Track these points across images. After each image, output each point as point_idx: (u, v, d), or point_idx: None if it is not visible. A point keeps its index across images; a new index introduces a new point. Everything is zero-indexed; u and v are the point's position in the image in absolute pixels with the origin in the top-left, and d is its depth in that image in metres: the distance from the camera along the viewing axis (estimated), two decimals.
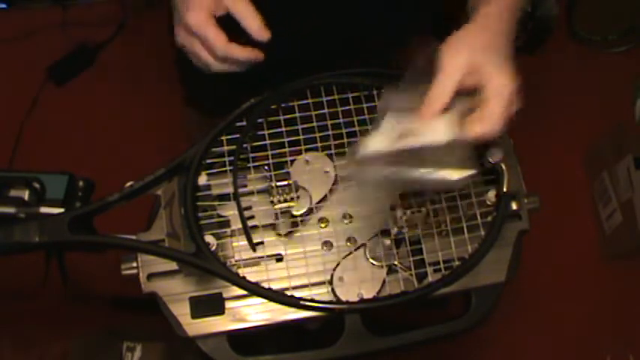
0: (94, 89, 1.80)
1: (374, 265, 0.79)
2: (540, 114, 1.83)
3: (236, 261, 0.77)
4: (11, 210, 0.80)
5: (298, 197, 0.80)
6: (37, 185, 0.81)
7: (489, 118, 0.62)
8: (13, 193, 0.80)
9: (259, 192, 0.81)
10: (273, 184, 0.79)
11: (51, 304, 1.40)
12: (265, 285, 0.74)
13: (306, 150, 0.82)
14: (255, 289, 0.73)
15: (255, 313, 0.76)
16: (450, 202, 0.81)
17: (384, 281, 0.78)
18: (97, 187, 0.87)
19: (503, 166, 0.79)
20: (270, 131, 0.79)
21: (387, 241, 0.80)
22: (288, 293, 0.74)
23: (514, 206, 0.79)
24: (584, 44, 1.94)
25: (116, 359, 1.33)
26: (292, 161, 0.81)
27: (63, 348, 1.38)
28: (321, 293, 0.77)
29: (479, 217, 0.78)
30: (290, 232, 0.81)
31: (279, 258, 0.79)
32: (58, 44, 1.84)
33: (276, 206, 0.80)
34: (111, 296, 1.47)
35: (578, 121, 1.82)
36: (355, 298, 0.76)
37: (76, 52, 1.84)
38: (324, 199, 0.82)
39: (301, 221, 0.80)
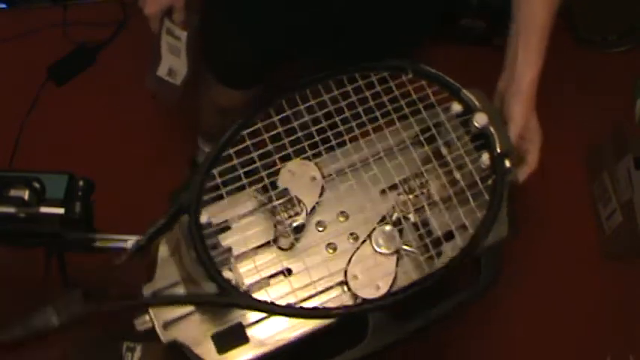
0: (94, 89, 1.80)
1: (383, 254, 0.79)
2: (540, 114, 1.83)
3: (247, 286, 0.76)
4: (11, 210, 0.80)
5: (302, 210, 0.80)
6: (37, 185, 0.81)
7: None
8: (13, 193, 0.80)
9: (250, 213, 0.80)
10: (276, 203, 0.79)
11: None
12: (282, 302, 0.74)
13: (282, 160, 0.81)
14: (287, 312, 0.73)
15: (277, 332, 0.75)
16: (449, 176, 0.82)
17: (396, 266, 0.78)
18: (97, 187, 0.87)
19: (492, 129, 0.80)
20: (260, 151, 0.79)
21: (388, 227, 0.80)
22: (318, 305, 0.74)
23: (507, 164, 0.80)
24: (584, 44, 1.94)
25: (116, 359, 1.33)
26: (276, 176, 0.80)
27: (62, 349, 1.38)
28: (340, 295, 0.77)
29: (479, 182, 0.79)
30: (292, 245, 0.80)
31: (287, 272, 0.79)
32: (58, 44, 1.84)
33: (278, 223, 0.79)
34: (111, 296, 1.47)
35: (578, 121, 1.81)
36: (374, 292, 0.76)
37: (76, 52, 1.84)
38: (316, 203, 0.81)
39: (300, 231, 0.80)
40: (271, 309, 0.73)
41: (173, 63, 1.07)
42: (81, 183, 0.84)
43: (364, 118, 0.83)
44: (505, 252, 1.66)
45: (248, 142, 0.79)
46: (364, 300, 0.76)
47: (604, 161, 1.71)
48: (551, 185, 1.76)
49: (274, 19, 1.04)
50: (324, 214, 0.81)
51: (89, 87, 1.82)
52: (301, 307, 0.74)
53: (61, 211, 0.80)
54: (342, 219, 0.82)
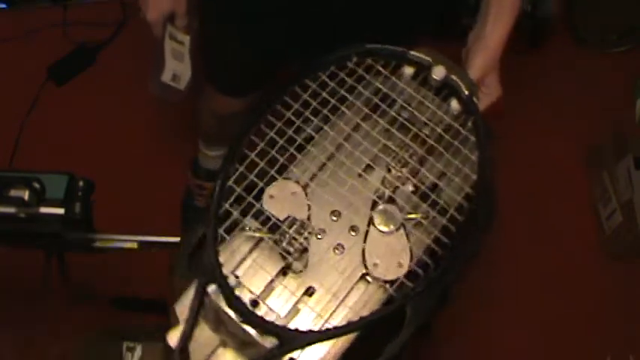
0: (94, 89, 1.80)
1: (389, 232, 0.78)
2: (540, 114, 1.83)
3: (283, 317, 0.75)
4: (11, 210, 0.80)
5: (322, 231, 0.79)
6: (37, 185, 0.81)
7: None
8: (13, 193, 0.80)
9: (251, 251, 0.78)
10: (291, 232, 0.77)
11: (51, 304, 1.40)
12: (331, 321, 0.74)
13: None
14: (353, 328, 0.72)
15: (326, 351, 0.74)
16: (431, 137, 0.82)
17: (408, 238, 0.78)
18: (97, 187, 0.87)
19: (455, 77, 0.82)
20: (253, 193, 0.78)
21: (382, 206, 0.79)
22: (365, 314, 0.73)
23: (476, 101, 0.82)
24: (584, 44, 1.94)
25: (116, 359, 1.33)
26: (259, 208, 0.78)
27: (63, 348, 1.38)
28: (367, 288, 0.77)
29: (461, 129, 0.80)
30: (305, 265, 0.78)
31: (311, 292, 0.77)
32: (58, 44, 1.84)
33: (300, 252, 0.77)
34: (111, 296, 1.48)
35: (578, 121, 1.81)
36: (399, 271, 0.75)
37: (76, 52, 1.84)
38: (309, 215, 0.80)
39: (304, 248, 0.78)
40: (337, 332, 0.72)
41: (177, 68, 1.07)
42: (81, 183, 0.84)
43: (333, 119, 0.83)
44: (505, 252, 1.66)
45: (238, 190, 0.77)
46: (414, 280, 0.75)
47: (604, 161, 1.71)
48: (551, 185, 1.76)
49: (275, 19, 1.04)
50: (317, 221, 0.79)
51: (89, 87, 1.82)
52: (362, 318, 0.73)
53: (61, 211, 0.80)
54: (335, 218, 0.81)
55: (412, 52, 0.83)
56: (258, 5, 1.04)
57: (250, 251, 0.78)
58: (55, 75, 1.81)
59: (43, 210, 0.80)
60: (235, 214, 0.77)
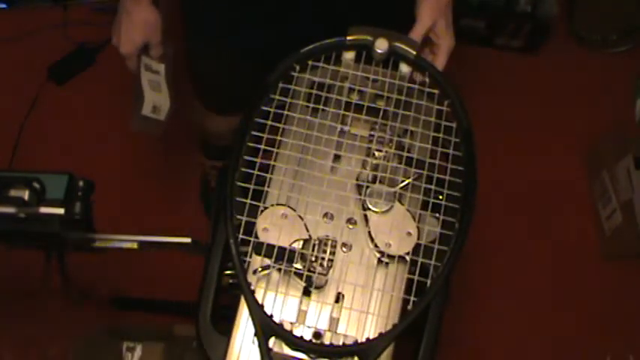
0: (94, 89, 1.80)
1: (387, 210, 0.78)
2: (540, 114, 1.83)
3: (349, 334, 0.74)
4: (11, 210, 0.80)
5: (333, 248, 0.78)
6: (37, 185, 0.81)
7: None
8: (13, 193, 0.80)
9: (271, 282, 0.77)
10: (314, 255, 0.76)
11: (51, 304, 1.40)
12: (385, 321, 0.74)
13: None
14: (411, 317, 0.71)
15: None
16: (398, 106, 0.81)
17: (406, 207, 0.78)
18: (97, 187, 0.87)
19: (397, 43, 0.82)
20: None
21: (370, 188, 0.78)
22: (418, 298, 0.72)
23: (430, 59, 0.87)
24: (584, 44, 1.94)
25: (116, 359, 1.33)
26: (259, 243, 0.75)
27: (63, 348, 1.38)
28: (389, 268, 0.77)
29: (424, 88, 0.81)
30: (317, 277, 0.77)
31: (341, 297, 0.77)
32: (58, 44, 1.84)
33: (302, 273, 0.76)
34: (111, 296, 1.48)
35: (578, 121, 1.82)
36: (411, 241, 0.75)
37: (76, 52, 1.84)
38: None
39: (313, 261, 0.77)
40: (403, 323, 0.71)
41: (156, 99, 1.06)
42: (81, 183, 0.84)
43: (285, 127, 0.82)
44: (504, 252, 1.66)
45: (252, 239, 0.75)
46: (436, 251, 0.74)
47: (604, 161, 1.71)
48: (551, 185, 1.76)
49: (276, 25, 1.03)
50: (315, 231, 0.78)
51: (89, 87, 1.82)
52: (408, 312, 0.72)
53: (61, 211, 0.80)
54: (327, 219, 0.79)
55: (349, 38, 0.82)
56: (260, 8, 1.03)
57: (270, 287, 0.76)
58: (55, 75, 1.81)
59: (43, 210, 0.80)
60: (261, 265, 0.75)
